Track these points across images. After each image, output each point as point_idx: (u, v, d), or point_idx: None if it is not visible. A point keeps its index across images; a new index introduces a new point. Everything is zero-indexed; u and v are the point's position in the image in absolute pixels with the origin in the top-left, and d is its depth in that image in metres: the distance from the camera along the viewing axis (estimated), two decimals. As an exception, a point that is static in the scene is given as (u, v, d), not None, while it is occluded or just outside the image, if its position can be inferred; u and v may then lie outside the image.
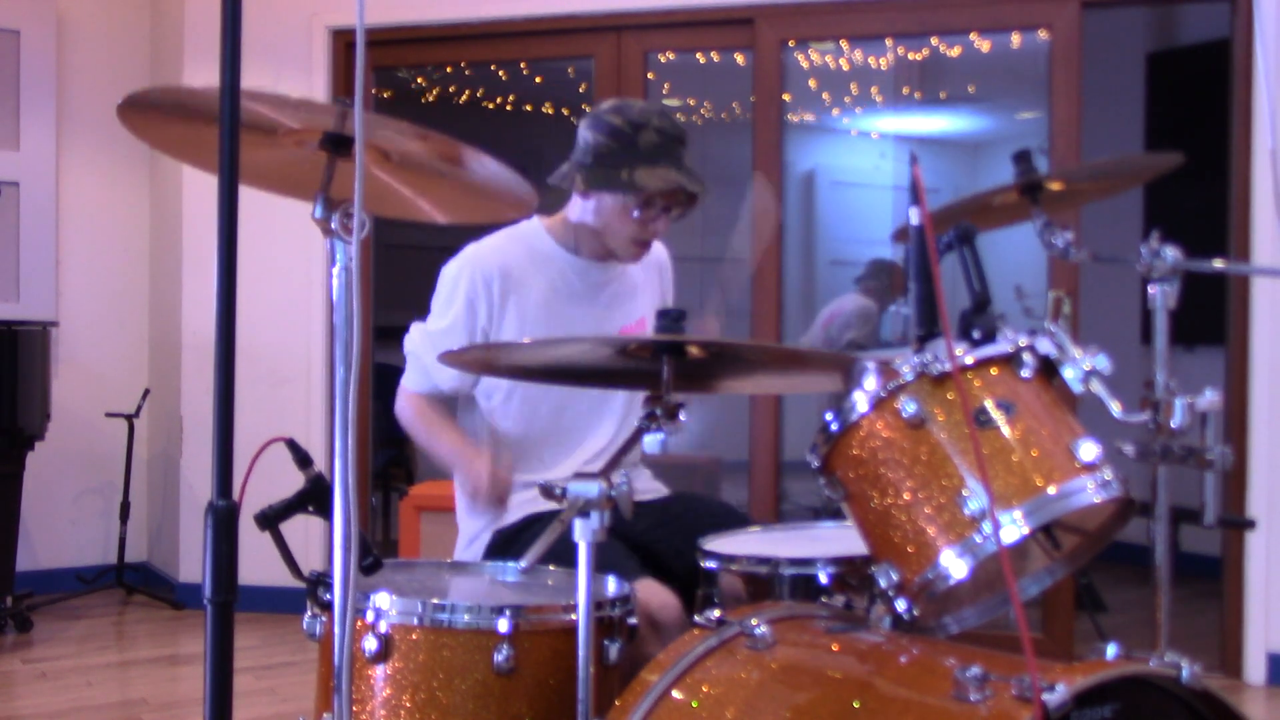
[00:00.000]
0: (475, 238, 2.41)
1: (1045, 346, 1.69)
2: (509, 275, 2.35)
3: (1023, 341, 1.68)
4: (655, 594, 2.04)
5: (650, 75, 4.65)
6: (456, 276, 2.36)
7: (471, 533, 2.39)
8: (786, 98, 4.53)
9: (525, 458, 2.35)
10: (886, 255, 5.93)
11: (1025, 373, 1.67)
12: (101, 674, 4.00)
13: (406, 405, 2.43)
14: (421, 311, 2.44)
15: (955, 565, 1.58)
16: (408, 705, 1.69)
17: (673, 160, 2.27)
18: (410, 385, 2.43)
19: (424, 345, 2.38)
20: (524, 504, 2.28)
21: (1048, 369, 1.71)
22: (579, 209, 2.38)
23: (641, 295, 2.50)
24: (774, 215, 2.64)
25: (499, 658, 1.67)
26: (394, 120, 1.54)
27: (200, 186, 4.78)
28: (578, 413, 2.40)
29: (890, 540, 1.66)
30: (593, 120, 2.32)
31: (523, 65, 5.91)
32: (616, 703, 1.62)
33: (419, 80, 6.55)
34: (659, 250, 2.58)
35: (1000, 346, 1.67)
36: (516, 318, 2.35)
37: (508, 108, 6.98)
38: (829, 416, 1.72)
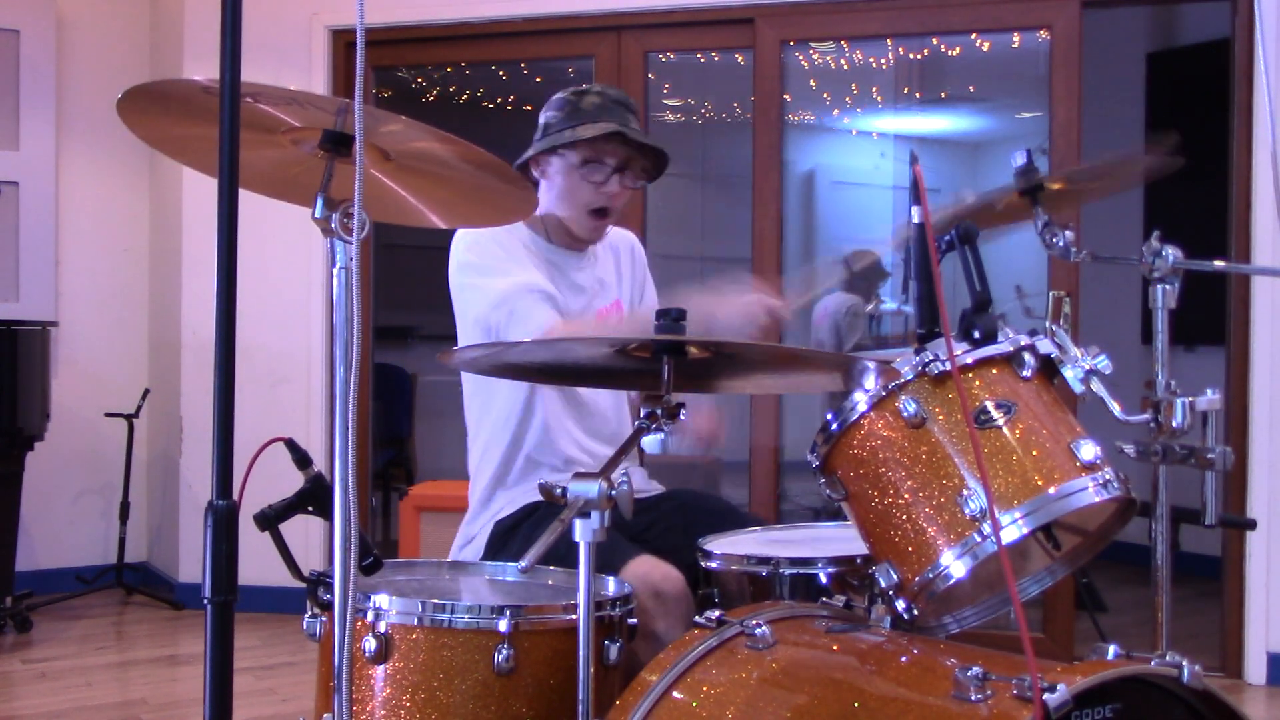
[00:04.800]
0: None
1: (1045, 346, 1.69)
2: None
3: (1023, 341, 1.68)
4: (656, 567, 2.03)
5: (650, 75, 4.66)
6: (473, 238, 2.30)
7: (471, 527, 2.40)
8: (786, 98, 4.53)
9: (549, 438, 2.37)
10: (867, 248, 5.90)
11: (1025, 373, 1.67)
12: (101, 674, 3.99)
13: (558, 331, 2.20)
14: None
15: (955, 565, 1.58)
16: (408, 705, 1.69)
17: (615, 116, 2.32)
18: (543, 321, 2.22)
19: (512, 295, 2.23)
20: (521, 495, 2.31)
21: (1048, 369, 1.71)
22: (544, 197, 2.41)
23: (613, 277, 2.53)
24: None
25: (499, 658, 1.67)
26: (397, 117, 1.54)
27: (200, 186, 4.78)
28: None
29: (890, 540, 1.66)
30: (546, 105, 2.42)
31: (523, 65, 5.91)
32: (616, 703, 1.62)
33: (419, 80, 6.55)
34: (624, 236, 2.60)
35: (1000, 346, 1.67)
36: None
37: (508, 108, 6.98)
38: (829, 416, 1.72)
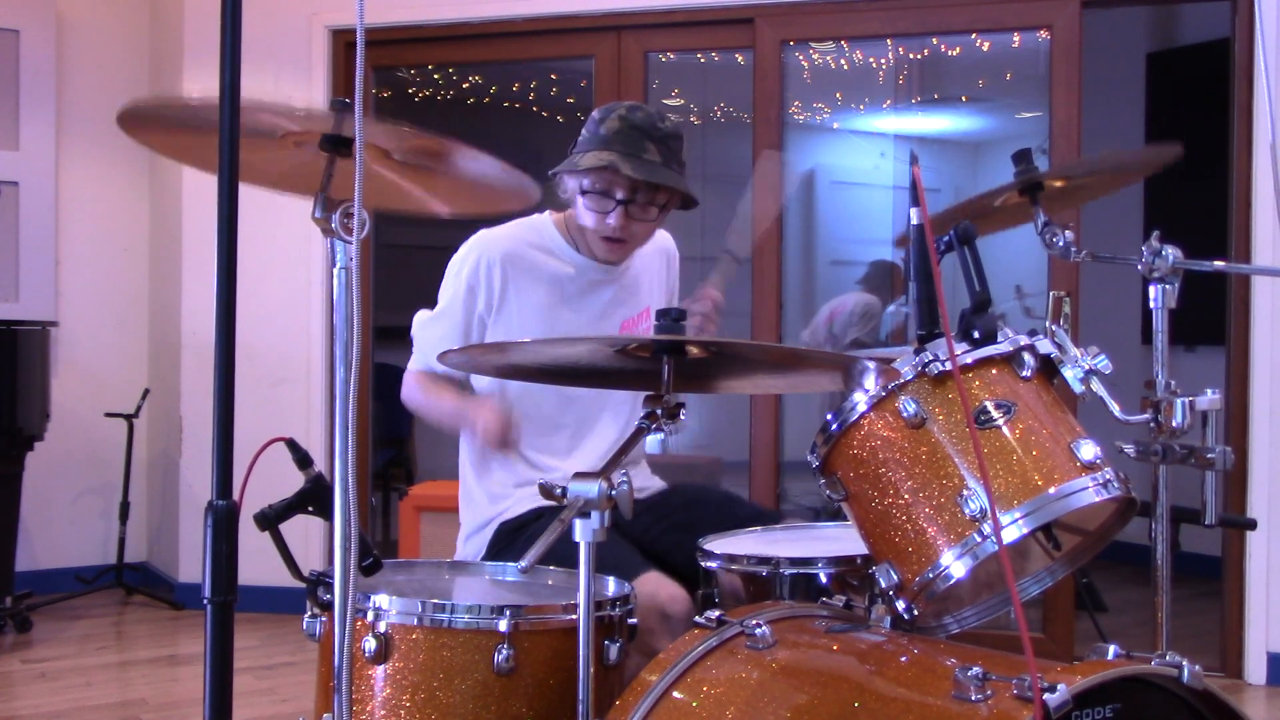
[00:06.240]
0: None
1: (1045, 346, 1.69)
2: (513, 264, 2.36)
3: (1023, 341, 1.68)
4: (663, 587, 2.03)
5: (650, 75, 4.65)
6: (462, 260, 2.38)
7: (474, 525, 2.39)
8: (788, 99, 4.53)
9: (533, 445, 2.36)
10: (887, 257, 5.94)
11: (1025, 373, 1.67)
12: (101, 674, 3.99)
13: (409, 383, 2.44)
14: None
15: (955, 565, 1.58)
16: (408, 705, 1.69)
17: (626, 146, 2.21)
18: (412, 366, 2.45)
19: (424, 328, 2.41)
20: (528, 497, 2.29)
21: (1048, 369, 1.71)
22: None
23: (646, 286, 2.50)
24: (778, 195, 2.55)
25: (499, 658, 1.67)
26: (389, 123, 1.55)
27: (200, 186, 4.78)
28: (583, 402, 2.41)
29: (890, 540, 1.66)
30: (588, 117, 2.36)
31: (523, 65, 5.91)
32: (616, 703, 1.62)
33: (419, 80, 6.55)
34: (664, 242, 2.58)
35: (1000, 346, 1.67)
36: (516, 308, 2.36)
37: (508, 107, 6.98)
38: (829, 416, 1.72)
